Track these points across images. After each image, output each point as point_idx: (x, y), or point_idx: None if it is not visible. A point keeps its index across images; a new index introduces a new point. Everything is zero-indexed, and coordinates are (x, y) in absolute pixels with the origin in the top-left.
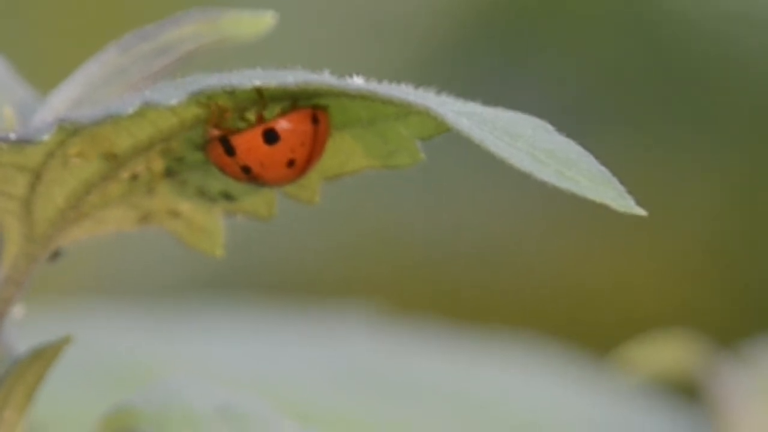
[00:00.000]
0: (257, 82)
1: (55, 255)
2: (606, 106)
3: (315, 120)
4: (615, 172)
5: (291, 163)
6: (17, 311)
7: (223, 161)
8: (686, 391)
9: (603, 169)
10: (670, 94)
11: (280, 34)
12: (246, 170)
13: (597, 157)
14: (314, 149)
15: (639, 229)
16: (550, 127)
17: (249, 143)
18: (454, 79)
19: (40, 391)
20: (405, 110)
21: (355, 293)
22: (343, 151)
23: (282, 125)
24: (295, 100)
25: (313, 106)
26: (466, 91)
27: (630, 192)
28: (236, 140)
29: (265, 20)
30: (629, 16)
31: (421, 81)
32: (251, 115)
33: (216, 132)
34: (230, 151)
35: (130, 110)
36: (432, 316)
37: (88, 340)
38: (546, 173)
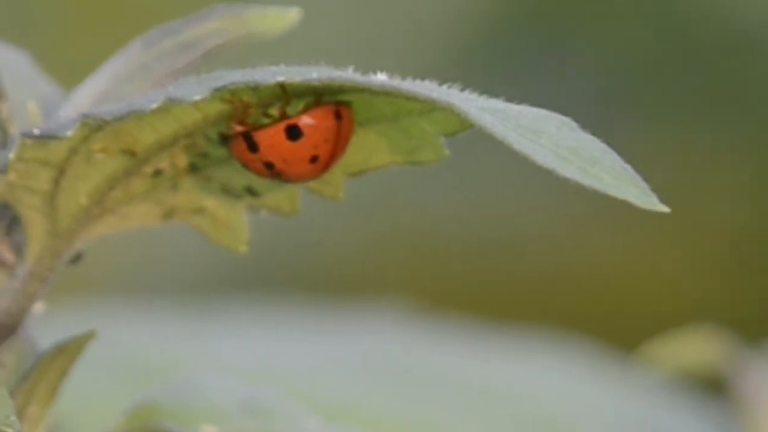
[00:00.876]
0: (281, 78)
1: (77, 257)
2: (634, 97)
3: (338, 116)
4: (641, 164)
5: (314, 159)
6: (38, 308)
7: (246, 157)
8: (713, 387)
9: (626, 166)
10: (699, 86)
11: (305, 31)
12: (269, 166)
13: (623, 148)
14: (337, 145)
15: (666, 224)
16: (574, 125)
17: (272, 139)
18: (481, 73)
19: (63, 387)
20: (429, 106)
21: (381, 289)
22: (367, 147)
23: (305, 121)
24: (318, 96)
25: (336, 102)
26: (493, 84)
27: (656, 186)
28: (259, 136)
29: (290, 16)
30: (658, 6)
31: (449, 75)
32: (274, 111)
33: (239, 128)
34: (253, 147)
35: (154, 106)
36: (459, 312)
37: (112, 336)
38: (569, 170)
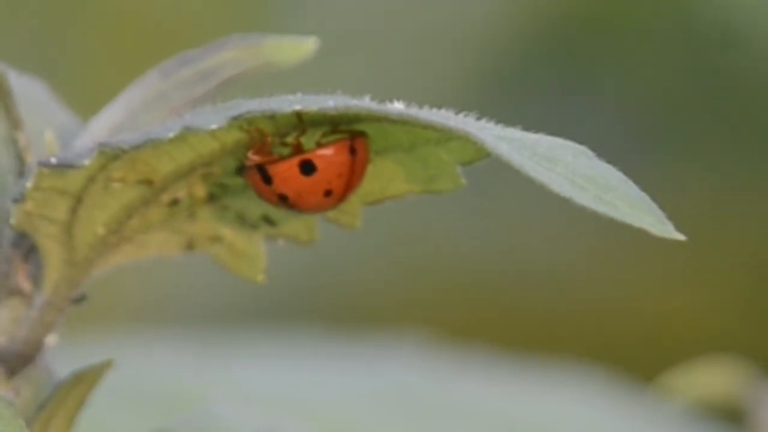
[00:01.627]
0: (297, 107)
1: (81, 297)
2: (655, 132)
3: (353, 150)
4: (662, 197)
5: (328, 193)
6: (51, 340)
7: (261, 188)
8: (731, 417)
9: (642, 194)
10: (722, 120)
11: (324, 59)
12: (283, 198)
13: (645, 181)
14: (352, 179)
15: (687, 256)
16: (590, 153)
17: (285, 173)
18: (504, 108)
19: (81, 416)
20: (446, 135)
21: (403, 320)
22: (384, 176)
23: (319, 156)
24: (335, 125)
25: (351, 135)
26: (515, 118)
27: (675, 218)
28: (273, 169)
29: (306, 46)
30: (686, 34)
31: (469, 108)
32: (291, 140)
33: (254, 159)
34: (267, 179)
35: (171, 135)
36: (480, 343)
37: (131, 366)
38: (585, 198)
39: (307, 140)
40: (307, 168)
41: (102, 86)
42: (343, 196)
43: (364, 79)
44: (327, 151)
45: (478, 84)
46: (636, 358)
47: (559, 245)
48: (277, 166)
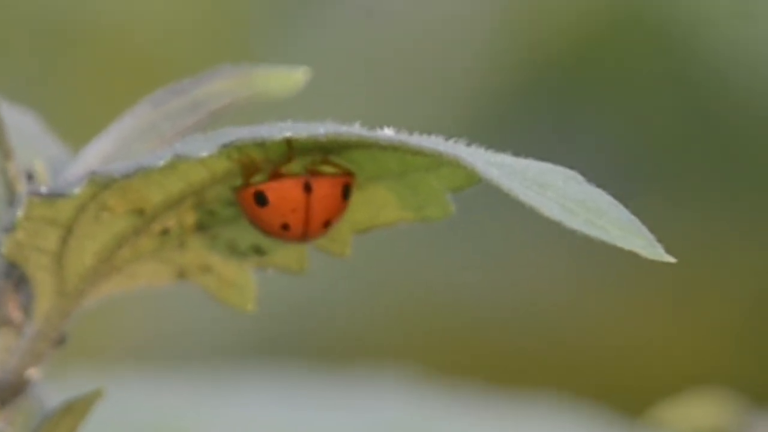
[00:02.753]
0: (288, 134)
1: (62, 339)
2: (648, 169)
3: (307, 187)
4: (652, 230)
5: (285, 227)
6: (33, 373)
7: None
8: None
9: (633, 218)
10: (718, 155)
11: (322, 93)
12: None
13: (636, 213)
14: (309, 215)
15: (676, 288)
16: (580, 178)
17: (244, 202)
18: (498, 137)
19: None
20: (436, 162)
21: (392, 357)
22: (375, 203)
23: (269, 190)
24: (326, 153)
25: (310, 173)
26: (509, 147)
27: (667, 248)
28: (238, 196)
29: (296, 77)
30: (682, 77)
31: (466, 135)
32: (269, 167)
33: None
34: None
35: (161, 163)
36: (468, 379)
37: (123, 399)
38: (576, 222)
39: (296, 168)
40: (261, 199)
41: (92, 118)
42: (305, 232)
43: (356, 108)
44: (277, 186)
45: (469, 120)
46: (627, 391)
47: (549, 281)
48: (239, 192)
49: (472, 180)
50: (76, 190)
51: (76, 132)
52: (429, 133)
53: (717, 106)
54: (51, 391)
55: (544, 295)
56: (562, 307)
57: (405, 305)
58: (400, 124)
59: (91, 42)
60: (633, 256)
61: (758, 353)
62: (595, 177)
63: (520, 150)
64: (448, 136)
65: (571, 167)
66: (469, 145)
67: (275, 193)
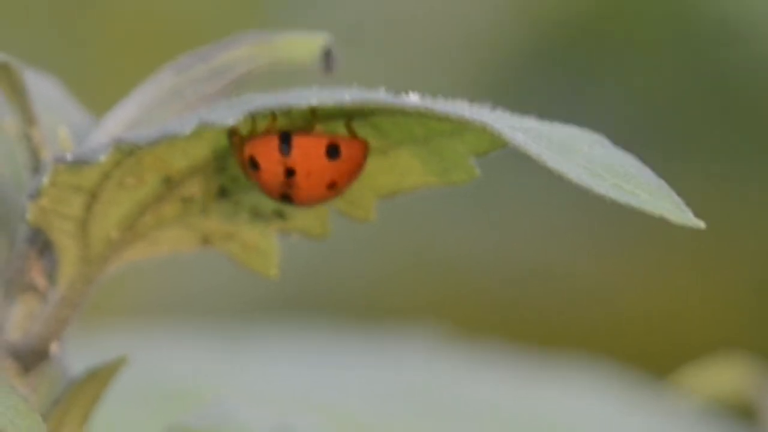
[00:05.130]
0: (314, 102)
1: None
2: (662, 132)
3: (284, 146)
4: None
5: (281, 192)
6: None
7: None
8: (743, 414)
9: (661, 181)
10: (725, 122)
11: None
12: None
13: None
14: (298, 177)
15: (697, 253)
16: (606, 142)
17: (241, 163)
18: (508, 106)
19: (96, 412)
20: (460, 127)
21: (416, 316)
22: (399, 169)
23: (256, 153)
24: (349, 118)
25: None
26: (526, 113)
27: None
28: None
29: (317, 41)
30: (691, 43)
31: (482, 101)
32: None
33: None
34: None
35: (188, 131)
36: (492, 339)
37: (145, 362)
38: (604, 187)
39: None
40: (253, 164)
41: (114, 83)
42: (305, 195)
43: (372, 74)
44: (259, 144)
45: (483, 85)
46: (646, 356)
47: (573, 244)
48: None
49: (496, 144)
50: (102, 158)
51: (95, 97)
52: (445, 97)
53: (729, 69)
54: (73, 352)
55: (565, 259)
56: (583, 270)
57: (427, 266)
58: (415, 89)
59: (112, 8)
60: (656, 219)
61: None
62: (610, 141)
63: (533, 115)
64: (466, 100)
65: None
66: (493, 109)
67: (260, 155)
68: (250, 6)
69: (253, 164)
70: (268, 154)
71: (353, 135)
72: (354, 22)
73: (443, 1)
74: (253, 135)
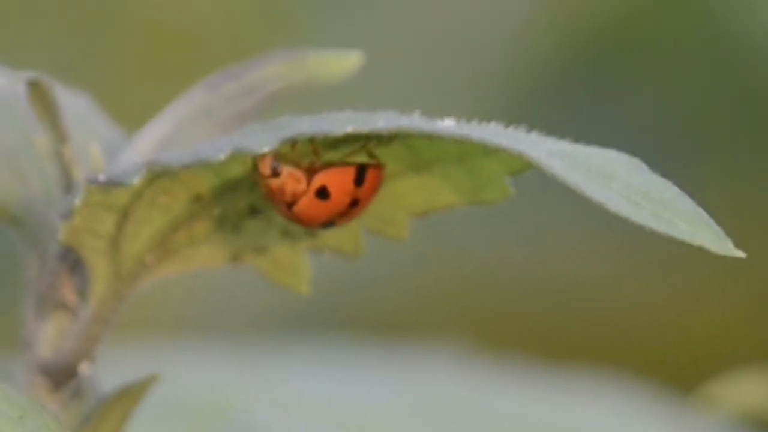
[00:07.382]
0: (350, 128)
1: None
2: (688, 143)
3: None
4: (700, 206)
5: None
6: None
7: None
8: (766, 428)
9: (699, 209)
10: (759, 131)
11: (367, 75)
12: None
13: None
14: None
15: (722, 265)
16: (644, 167)
17: (265, 186)
18: (541, 117)
19: (126, 429)
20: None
21: (440, 330)
22: (432, 187)
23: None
24: (378, 141)
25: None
26: (551, 124)
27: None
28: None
29: (350, 60)
30: (719, 52)
31: (508, 117)
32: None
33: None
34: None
35: (222, 156)
36: (516, 353)
37: (173, 376)
38: (642, 216)
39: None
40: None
41: (144, 101)
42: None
43: (399, 89)
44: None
45: (510, 99)
46: (672, 369)
47: (596, 258)
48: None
49: (531, 164)
50: (135, 180)
51: (120, 111)
52: (470, 109)
53: (757, 82)
54: (100, 367)
55: (590, 271)
56: (608, 283)
57: (451, 279)
58: (441, 104)
59: (140, 25)
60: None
61: None
62: (635, 155)
63: (559, 128)
64: (490, 115)
65: (611, 145)
66: (529, 131)
67: (332, 185)
68: (279, 19)
69: (322, 193)
70: (342, 185)
71: (376, 160)
72: (384, 32)
73: (475, 9)
74: (286, 159)
